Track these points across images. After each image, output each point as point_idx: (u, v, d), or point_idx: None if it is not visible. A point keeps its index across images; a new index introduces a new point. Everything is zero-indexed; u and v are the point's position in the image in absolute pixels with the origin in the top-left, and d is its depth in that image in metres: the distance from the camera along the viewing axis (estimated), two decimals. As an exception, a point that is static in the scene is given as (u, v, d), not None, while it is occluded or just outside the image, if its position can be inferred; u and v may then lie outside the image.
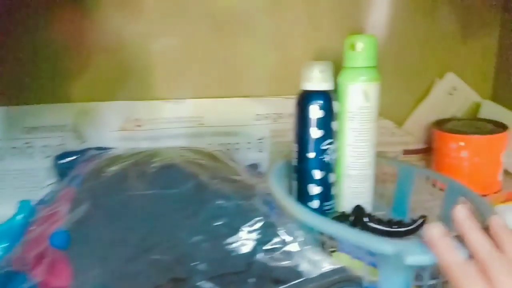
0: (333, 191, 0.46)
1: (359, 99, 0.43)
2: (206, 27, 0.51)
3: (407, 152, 0.59)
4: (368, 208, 0.46)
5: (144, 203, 0.35)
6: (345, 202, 0.47)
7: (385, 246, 0.30)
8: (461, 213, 0.29)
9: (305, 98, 0.43)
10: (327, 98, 0.42)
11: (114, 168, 0.39)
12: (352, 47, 0.42)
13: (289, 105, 0.54)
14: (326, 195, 0.45)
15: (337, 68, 0.43)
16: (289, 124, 0.55)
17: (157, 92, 0.52)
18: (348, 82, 0.43)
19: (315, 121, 0.42)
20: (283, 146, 0.56)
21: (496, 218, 0.29)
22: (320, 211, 0.45)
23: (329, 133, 0.43)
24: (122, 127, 0.51)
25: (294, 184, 0.46)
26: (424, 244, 0.29)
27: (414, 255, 0.28)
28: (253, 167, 0.53)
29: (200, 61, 0.52)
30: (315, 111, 0.42)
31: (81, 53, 0.49)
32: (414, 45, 0.56)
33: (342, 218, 0.46)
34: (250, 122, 0.54)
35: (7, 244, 0.41)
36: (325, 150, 0.43)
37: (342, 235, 0.32)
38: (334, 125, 0.44)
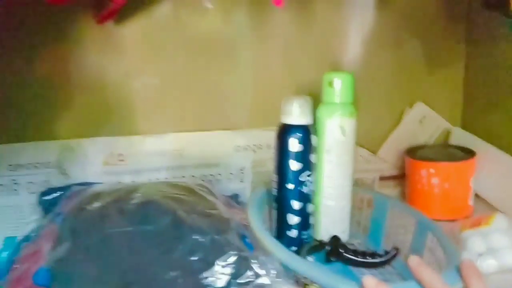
0: (311, 220, 0.48)
1: (336, 134, 0.45)
2: (183, 63, 0.53)
3: (382, 178, 0.62)
4: (344, 237, 0.48)
5: (123, 240, 0.37)
6: (323, 231, 0.49)
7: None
8: (414, 261, 0.32)
9: (285, 132, 0.45)
10: (305, 132, 0.45)
11: (95, 206, 0.41)
12: (330, 84, 0.45)
13: (268, 137, 0.57)
14: (304, 225, 0.47)
15: (315, 101, 0.45)
16: (269, 154, 0.57)
17: (139, 128, 0.54)
18: (326, 117, 0.45)
19: (294, 154, 0.44)
20: (263, 176, 0.58)
21: (467, 261, 0.32)
22: (298, 239, 0.47)
23: (307, 165, 0.45)
24: (105, 162, 0.53)
25: (274, 213, 0.47)
26: None
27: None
28: (234, 197, 0.54)
29: (179, 96, 0.54)
30: (294, 144, 0.44)
31: (64, 91, 0.51)
32: (385, 76, 0.59)
33: (319, 247, 0.47)
34: (230, 153, 0.56)
35: (-9, 282, 0.42)
36: (304, 181, 0.45)
37: (313, 275, 0.34)
38: (312, 157, 0.46)
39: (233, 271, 0.34)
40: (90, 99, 0.52)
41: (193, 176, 0.56)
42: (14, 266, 0.40)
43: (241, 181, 0.57)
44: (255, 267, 0.35)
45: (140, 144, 0.54)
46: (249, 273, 0.34)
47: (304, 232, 0.47)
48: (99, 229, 0.37)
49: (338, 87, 0.45)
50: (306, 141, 0.45)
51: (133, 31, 0.51)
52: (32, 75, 0.50)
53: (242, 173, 0.57)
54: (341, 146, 0.46)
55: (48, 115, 0.51)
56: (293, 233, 0.47)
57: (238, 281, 0.34)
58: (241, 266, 0.35)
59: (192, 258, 0.35)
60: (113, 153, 0.53)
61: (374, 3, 0.57)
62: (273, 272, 0.35)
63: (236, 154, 0.57)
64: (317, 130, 0.46)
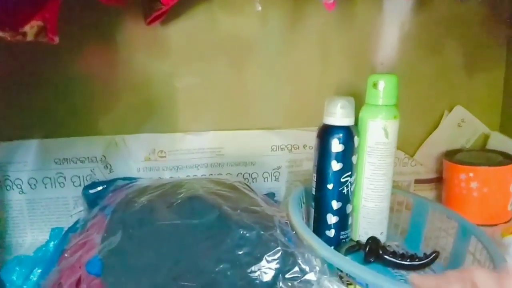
0: (350, 221, 0.48)
1: (378, 135, 0.46)
2: (224, 64, 0.54)
3: (418, 181, 0.61)
4: (382, 239, 0.48)
5: (172, 233, 0.38)
6: (361, 232, 0.49)
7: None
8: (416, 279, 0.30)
9: (327, 132, 0.45)
10: (348, 133, 0.45)
11: (142, 199, 0.42)
12: (375, 85, 0.45)
13: (304, 137, 0.58)
14: (343, 225, 0.47)
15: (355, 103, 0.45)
16: (303, 155, 0.58)
17: (180, 125, 0.55)
18: (369, 119, 0.46)
19: (336, 154, 0.45)
20: (298, 176, 0.58)
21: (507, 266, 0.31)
22: (336, 239, 0.47)
23: (348, 166, 0.46)
24: (147, 158, 0.55)
25: (312, 212, 0.48)
26: None
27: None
28: (270, 195, 0.55)
29: (219, 96, 0.55)
30: (336, 145, 0.45)
31: (112, 89, 0.53)
32: (424, 79, 0.59)
33: (356, 247, 0.48)
34: (266, 152, 0.57)
35: (41, 270, 0.44)
36: (344, 182, 0.46)
37: (360, 275, 0.34)
38: (354, 158, 0.46)
39: (280, 266, 0.35)
40: (136, 97, 0.53)
41: (229, 174, 0.57)
42: (65, 255, 0.41)
43: (276, 180, 0.58)
44: (301, 263, 0.35)
45: (181, 141, 0.55)
46: (296, 268, 0.35)
47: (343, 232, 0.48)
48: (149, 222, 0.39)
49: (382, 88, 0.45)
50: (348, 142, 0.45)
51: (177, 32, 0.52)
52: (82, 72, 0.52)
53: (278, 172, 0.58)
54: (383, 148, 0.46)
55: (95, 111, 0.53)
56: (332, 232, 0.47)
57: (285, 276, 0.34)
58: (288, 262, 0.35)
59: (240, 252, 0.36)
60: (155, 149, 0.55)
61: (414, 6, 0.57)
62: (318, 268, 0.36)
63: (272, 154, 0.57)
64: (359, 131, 0.47)
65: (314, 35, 0.56)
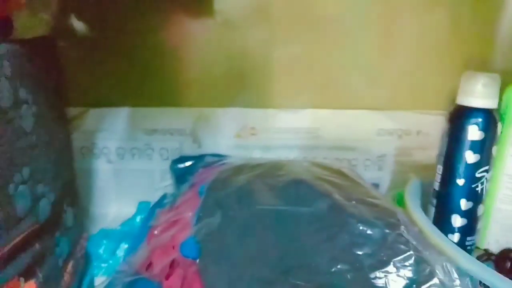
0: (479, 225, 0.39)
1: (528, 122, 0.37)
2: (330, 36, 0.48)
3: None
4: (519, 249, 0.39)
5: (276, 219, 0.32)
6: (490, 239, 0.40)
7: None
8: None
9: (462, 116, 0.37)
10: (490, 117, 0.36)
11: (240, 179, 0.37)
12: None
13: (418, 121, 0.49)
14: (471, 229, 0.39)
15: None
16: (416, 143, 0.50)
17: (274, 101, 0.50)
18: (518, 102, 0.37)
19: (472, 143, 0.37)
20: (407, 167, 0.50)
21: None
22: (461, 246, 0.39)
23: (486, 159, 0.37)
24: (237, 134, 0.50)
25: (431, 210, 0.40)
26: None
27: None
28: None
29: (321, 69, 0.49)
30: (473, 132, 0.37)
31: (203, 58, 0.49)
32: None
33: (484, 257, 0.40)
34: (371, 137, 0.50)
35: (128, 246, 0.42)
36: (479, 178, 0.37)
37: None
38: (494, 150, 0.37)
39: (413, 275, 0.28)
40: (229, 68, 0.48)
41: (325, 158, 0.50)
42: (154, 232, 0.38)
43: (380, 170, 0.51)
44: (440, 274, 0.28)
45: (274, 118, 0.50)
46: (435, 281, 0.28)
47: (469, 238, 0.39)
48: (249, 204, 0.34)
49: None
50: (489, 129, 0.37)
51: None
52: (172, 42, 0.48)
53: (382, 160, 0.50)
54: (532, 139, 0.37)
55: (186, 82, 0.49)
56: (456, 237, 0.39)
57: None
58: (423, 271, 0.28)
59: (359, 252, 0.29)
60: (246, 125, 0.50)
61: None
62: (457, 282, 0.28)
63: (377, 139, 0.50)
64: (503, 117, 0.38)
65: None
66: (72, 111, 0.48)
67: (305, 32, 0.48)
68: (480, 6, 0.46)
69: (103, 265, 0.40)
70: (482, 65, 0.46)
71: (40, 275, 0.29)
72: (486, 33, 0.47)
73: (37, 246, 0.28)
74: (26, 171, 0.27)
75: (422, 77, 0.48)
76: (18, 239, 0.25)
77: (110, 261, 0.40)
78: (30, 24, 0.39)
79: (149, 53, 0.48)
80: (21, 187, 0.26)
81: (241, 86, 0.49)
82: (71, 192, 0.37)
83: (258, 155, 0.50)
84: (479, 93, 0.36)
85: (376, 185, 0.49)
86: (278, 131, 0.50)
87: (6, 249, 0.24)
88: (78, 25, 0.48)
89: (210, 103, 0.49)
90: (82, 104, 0.49)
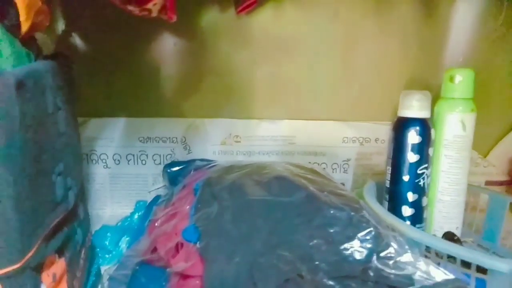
0: (425, 214, 0.48)
1: (456, 128, 0.46)
2: (301, 57, 0.56)
3: (489, 183, 0.61)
4: (457, 234, 0.48)
5: (264, 207, 0.39)
6: (436, 226, 0.49)
7: (499, 264, 0.32)
8: None
9: (404, 124, 0.46)
10: (425, 125, 0.46)
11: (231, 176, 0.44)
12: (451, 79, 0.46)
13: (375, 130, 0.58)
14: (418, 218, 0.47)
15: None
16: (374, 148, 0.59)
17: (256, 112, 0.57)
18: (446, 112, 0.46)
19: (412, 146, 0.46)
20: (366, 169, 0.59)
21: None
22: (411, 232, 0.48)
23: (425, 158, 0.46)
24: (223, 141, 0.57)
25: (385, 204, 0.49)
26: None
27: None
28: (340, 186, 0.56)
29: (294, 86, 0.57)
30: (413, 137, 0.45)
31: (195, 74, 0.55)
32: (502, 77, 0.58)
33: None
34: (337, 144, 0.58)
35: (129, 238, 0.47)
36: (420, 174, 0.46)
37: (455, 252, 0.34)
38: (430, 151, 0.46)
39: (373, 246, 0.36)
40: (217, 83, 0.56)
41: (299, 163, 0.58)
42: (155, 224, 0.44)
43: (345, 172, 0.59)
44: (394, 244, 0.36)
45: (256, 127, 0.57)
46: (390, 249, 0.35)
47: (418, 225, 0.48)
48: (240, 196, 0.40)
49: (459, 82, 0.45)
50: (425, 134, 0.46)
51: (260, 22, 0.54)
52: (166, 58, 0.55)
53: (347, 164, 0.59)
54: (460, 141, 0.46)
55: (178, 95, 0.56)
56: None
57: (378, 256, 0.35)
58: (381, 243, 0.36)
59: (331, 230, 0.37)
60: (231, 134, 0.57)
61: (495, 2, 0.56)
62: (407, 248, 0.36)
63: (343, 145, 0.58)
64: (435, 124, 0.47)
65: (393, 27, 0.56)
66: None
67: (280, 53, 0.56)
68: (423, 36, 0.57)
69: (107, 255, 0.45)
70: (420, 84, 0.56)
71: (68, 256, 0.34)
72: (426, 59, 0.57)
73: (65, 229, 0.34)
74: (61, 165, 0.32)
75: (378, 93, 0.58)
76: (57, 220, 0.31)
77: (114, 252, 0.45)
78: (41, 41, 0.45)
79: (145, 69, 0.55)
80: (59, 178, 0.31)
81: (227, 99, 0.57)
82: (82, 189, 0.42)
83: (241, 160, 0.57)
84: (415, 106, 0.46)
85: (342, 185, 0.57)
86: (259, 139, 0.57)
87: (52, 225, 0.29)
88: (79, 43, 0.53)
89: (199, 114, 0.56)
90: (83, 114, 0.54)
